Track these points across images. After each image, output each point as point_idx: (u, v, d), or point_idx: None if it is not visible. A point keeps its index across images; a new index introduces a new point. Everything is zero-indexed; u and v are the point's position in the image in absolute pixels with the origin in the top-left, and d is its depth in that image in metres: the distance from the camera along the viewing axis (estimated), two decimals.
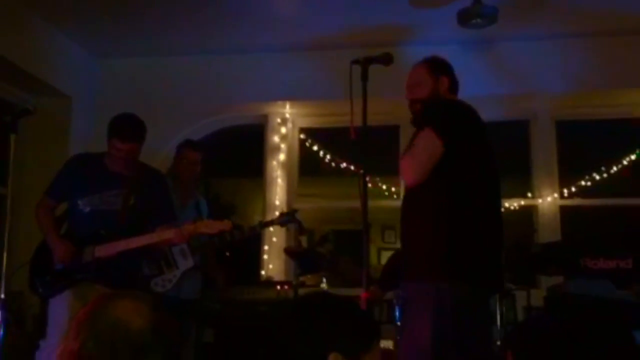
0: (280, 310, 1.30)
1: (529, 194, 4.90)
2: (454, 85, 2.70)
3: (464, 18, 3.91)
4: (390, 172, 5.02)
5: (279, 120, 5.11)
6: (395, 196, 5.06)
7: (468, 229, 2.32)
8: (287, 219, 3.70)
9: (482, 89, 4.70)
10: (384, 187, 5.04)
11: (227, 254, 5.44)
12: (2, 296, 2.47)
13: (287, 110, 5.08)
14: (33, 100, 4.54)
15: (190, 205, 3.85)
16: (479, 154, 2.48)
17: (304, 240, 4.64)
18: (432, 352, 2.19)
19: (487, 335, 2.61)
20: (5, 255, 2.51)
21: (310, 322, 1.26)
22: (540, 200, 4.82)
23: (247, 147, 5.50)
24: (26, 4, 4.14)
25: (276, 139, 5.08)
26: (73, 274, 2.99)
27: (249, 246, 5.16)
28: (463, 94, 4.75)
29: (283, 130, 5.10)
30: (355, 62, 2.29)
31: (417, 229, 2.42)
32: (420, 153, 2.36)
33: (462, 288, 2.24)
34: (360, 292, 2.21)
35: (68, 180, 3.08)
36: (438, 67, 2.70)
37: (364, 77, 2.28)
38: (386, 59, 2.32)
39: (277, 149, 5.07)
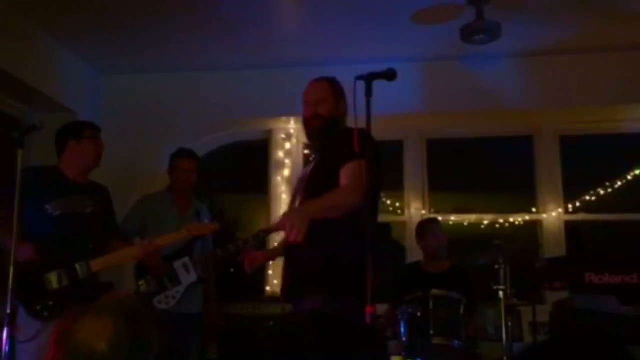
0: (286, 327, 1.30)
1: (534, 209, 4.90)
2: (346, 111, 2.73)
3: (467, 34, 3.93)
4: (394, 187, 5.03)
5: (283, 135, 5.13)
6: (399, 211, 5.06)
7: None
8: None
9: (485, 104, 4.73)
10: (388, 202, 5.03)
11: (232, 270, 5.43)
12: (9, 311, 2.46)
13: (292, 125, 5.10)
14: (38, 115, 4.56)
15: (190, 214, 3.82)
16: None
17: None
18: None
19: None
20: (12, 270, 2.50)
21: (318, 338, 1.25)
22: (545, 215, 4.81)
23: (251, 162, 5.51)
24: (32, 21, 4.18)
25: (281, 154, 5.10)
26: (74, 292, 2.96)
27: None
28: (468, 109, 4.82)
29: (287, 145, 5.11)
30: (360, 77, 2.29)
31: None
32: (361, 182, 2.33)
33: None
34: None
35: (31, 187, 2.86)
36: (340, 90, 2.77)
37: (368, 92, 2.28)
38: (390, 75, 2.32)
39: (281, 164, 5.08)
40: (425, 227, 4.16)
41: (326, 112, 2.71)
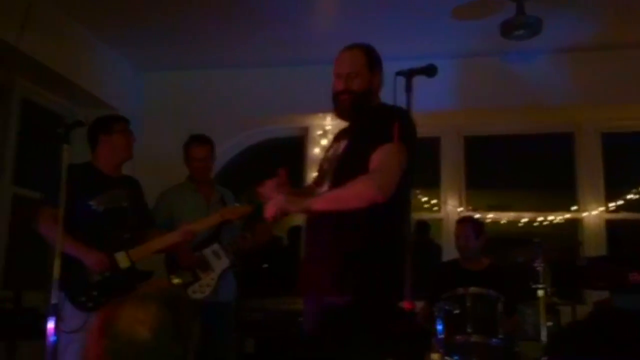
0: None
1: (574, 207, 4.82)
2: (380, 85, 2.48)
3: (507, 29, 3.87)
4: (430, 184, 5.01)
5: (319, 132, 5.14)
6: (435, 208, 5.03)
7: None
8: None
9: (525, 100, 4.66)
10: (424, 199, 5.01)
11: (265, 265, 5.47)
12: (54, 302, 2.53)
13: (328, 122, 5.11)
14: (80, 111, 4.67)
15: (215, 200, 3.76)
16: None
17: None
18: None
19: None
20: (56, 263, 2.56)
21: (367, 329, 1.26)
22: (585, 214, 4.73)
23: (287, 159, 5.54)
24: (75, 19, 4.28)
25: (316, 150, 5.11)
26: (115, 282, 3.03)
27: (286, 257, 5.19)
28: (507, 105, 4.76)
29: (323, 142, 5.12)
30: (400, 73, 2.28)
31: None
32: (397, 169, 2.16)
33: None
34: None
35: (73, 185, 2.86)
36: (376, 60, 2.49)
37: (408, 88, 2.26)
38: (431, 71, 2.29)
39: (317, 161, 5.08)
40: (456, 226, 4.12)
41: (359, 87, 2.42)
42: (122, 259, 3.07)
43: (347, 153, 2.39)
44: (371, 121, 2.37)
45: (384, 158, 2.20)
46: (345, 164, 2.36)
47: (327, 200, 2.27)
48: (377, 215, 2.19)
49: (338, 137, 2.56)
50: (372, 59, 2.50)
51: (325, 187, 2.38)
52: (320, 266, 2.29)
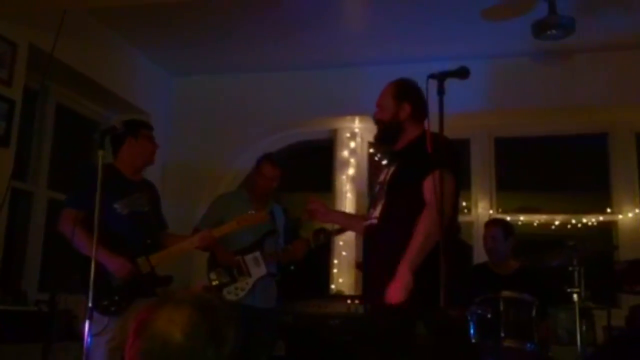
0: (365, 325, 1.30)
1: (608, 210, 4.73)
2: (417, 112, 2.72)
3: (539, 29, 3.82)
4: (460, 186, 4.95)
5: (348, 134, 5.14)
6: (465, 210, 4.98)
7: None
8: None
9: (558, 101, 4.60)
10: None
11: (292, 267, 5.48)
12: (90, 304, 2.56)
13: (356, 124, 5.12)
14: (113, 117, 4.75)
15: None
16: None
17: None
18: None
19: None
20: (93, 268, 2.59)
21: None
22: (620, 216, 4.64)
23: (316, 161, 5.54)
24: (107, 25, 4.35)
25: (345, 153, 5.11)
26: (136, 287, 3.04)
27: (316, 260, 5.19)
28: (538, 106, 4.70)
29: (352, 144, 5.12)
30: (432, 76, 2.27)
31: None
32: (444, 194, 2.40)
33: None
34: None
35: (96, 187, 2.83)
36: (403, 92, 2.76)
37: (440, 91, 2.26)
38: (463, 73, 2.29)
39: (346, 163, 5.09)
40: (484, 228, 4.07)
41: (384, 117, 2.77)
42: (143, 264, 3.09)
43: (397, 178, 2.67)
44: (415, 149, 2.63)
45: (434, 188, 2.36)
46: (395, 188, 2.65)
47: (416, 253, 2.46)
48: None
49: (387, 164, 2.87)
50: (400, 91, 2.76)
51: (378, 209, 2.69)
52: (382, 275, 2.53)
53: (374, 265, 2.71)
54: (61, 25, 3.41)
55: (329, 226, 3.88)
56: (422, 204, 2.50)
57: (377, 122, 2.82)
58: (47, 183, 4.27)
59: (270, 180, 3.87)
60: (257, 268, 3.70)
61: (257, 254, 3.72)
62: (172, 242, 3.31)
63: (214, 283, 3.68)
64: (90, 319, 2.58)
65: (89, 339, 2.57)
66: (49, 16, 3.65)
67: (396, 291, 2.41)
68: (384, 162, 2.94)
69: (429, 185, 2.45)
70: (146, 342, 1.21)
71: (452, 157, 2.60)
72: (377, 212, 2.69)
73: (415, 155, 2.62)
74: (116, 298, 3.00)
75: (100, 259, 2.88)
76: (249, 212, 3.56)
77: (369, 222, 2.74)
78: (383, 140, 2.87)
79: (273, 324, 3.85)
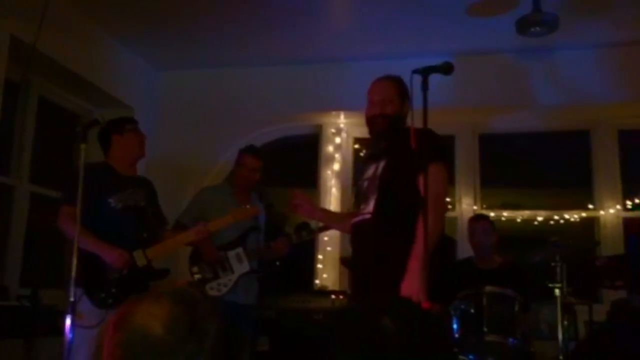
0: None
1: (590, 206, 4.77)
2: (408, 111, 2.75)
3: (523, 26, 3.85)
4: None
5: (333, 130, 5.14)
6: (450, 207, 5.01)
7: None
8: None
9: (541, 98, 4.63)
10: None
11: (277, 263, 5.48)
12: (72, 299, 2.55)
13: (342, 120, 5.11)
14: (97, 111, 4.71)
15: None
16: None
17: None
18: None
19: None
20: (75, 262, 2.58)
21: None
22: (602, 212, 4.68)
23: (301, 157, 5.54)
24: (90, 19, 4.30)
25: (330, 149, 5.11)
26: (133, 280, 3.08)
27: (300, 256, 5.19)
28: (522, 103, 4.72)
29: (337, 140, 5.12)
30: (416, 71, 2.28)
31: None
32: (444, 192, 2.57)
33: None
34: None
35: (92, 183, 2.90)
36: (405, 91, 2.72)
37: (425, 86, 2.27)
38: (447, 68, 2.30)
39: (331, 159, 5.10)
40: (472, 224, 4.10)
41: (393, 111, 2.73)
42: (139, 257, 3.13)
43: (390, 172, 2.66)
44: (405, 143, 2.52)
45: (434, 186, 2.39)
46: (389, 182, 2.64)
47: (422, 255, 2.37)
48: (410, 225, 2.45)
49: (373, 159, 2.80)
50: (402, 90, 2.75)
51: (370, 206, 2.66)
52: (367, 271, 2.59)
53: (367, 261, 2.66)
54: (43, 17, 3.37)
55: (313, 223, 3.88)
56: (417, 198, 2.44)
57: (381, 117, 2.73)
58: (29, 177, 4.23)
59: (251, 172, 3.83)
60: (239, 264, 3.69)
61: (240, 250, 3.70)
62: (169, 237, 3.36)
63: (196, 277, 3.66)
64: (73, 313, 2.58)
65: (71, 334, 2.57)
66: (32, 8, 3.61)
67: (412, 287, 2.38)
68: (370, 157, 2.86)
69: (424, 179, 2.43)
70: (126, 334, 1.21)
71: (443, 151, 2.65)
72: (370, 208, 2.67)
73: (407, 149, 2.54)
74: (113, 291, 3.04)
75: (97, 251, 2.98)
76: (245, 206, 3.58)
77: (360, 217, 2.71)
78: (386, 137, 2.76)
79: (254, 320, 3.85)
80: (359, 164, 3.14)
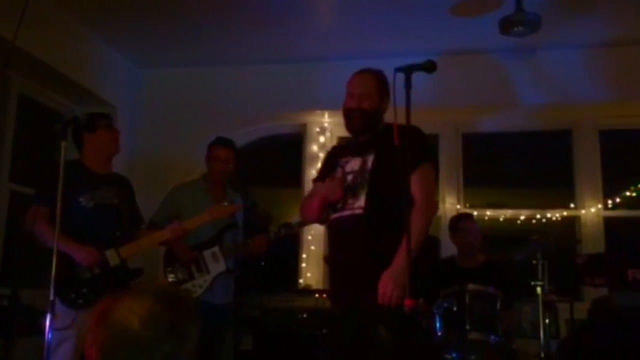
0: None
1: (572, 205, 4.82)
2: (388, 106, 2.72)
3: (506, 26, 3.87)
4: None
5: (317, 129, 5.14)
6: None
7: None
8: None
9: (524, 97, 4.66)
10: None
11: (262, 263, 5.46)
12: (52, 298, 2.52)
13: (326, 119, 5.11)
14: (78, 109, 4.66)
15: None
16: None
17: None
18: None
19: None
20: (54, 260, 2.55)
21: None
22: (583, 211, 4.73)
23: (285, 156, 5.53)
24: (73, 16, 4.26)
25: (314, 148, 5.10)
26: (106, 279, 3.03)
27: (284, 254, 5.18)
28: (505, 102, 4.75)
29: (322, 139, 5.12)
30: (399, 69, 2.28)
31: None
32: (433, 189, 2.66)
33: None
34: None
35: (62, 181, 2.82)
36: (385, 86, 2.70)
37: (408, 85, 2.26)
38: (430, 67, 2.30)
39: (315, 158, 5.09)
40: (458, 222, 4.12)
41: (370, 107, 2.69)
42: (112, 256, 3.07)
43: (380, 167, 2.62)
44: (391, 138, 2.46)
45: (424, 184, 2.56)
46: (380, 177, 2.60)
47: (415, 247, 2.36)
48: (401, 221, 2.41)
49: (356, 152, 2.73)
50: (383, 85, 2.72)
51: (361, 201, 2.60)
52: (358, 268, 2.54)
53: (355, 257, 2.58)
54: (23, 13, 3.32)
55: (294, 221, 3.85)
56: (408, 194, 2.38)
57: (358, 111, 2.69)
58: (9, 176, 4.17)
59: (223, 163, 3.75)
60: (215, 264, 3.59)
61: (216, 248, 3.60)
62: (144, 236, 3.29)
63: (170, 279, 3.56)
64: (52, 313, 2.54)
65: (50, 334, 2.53)
66: (11, 3, 3.56)
67: (389, 281, 2.40)
68: (352, 150, 2.77)
69: (416, 179, 2.52)
70: (105, 330, 1.20)
71: (430, 150, 2.72)
72: (360, 202, 2.60)
73: (393, 145, 2.49)
74: (84, 291, 2.98)
75: (66, 249, 2.90)
76: (222, 202, 3.46)
77: (348, 212, 2.63)
78: (361, 131, 2.73)
79: (230, 320, 3.79)
80: (330, 156, 2.99)
